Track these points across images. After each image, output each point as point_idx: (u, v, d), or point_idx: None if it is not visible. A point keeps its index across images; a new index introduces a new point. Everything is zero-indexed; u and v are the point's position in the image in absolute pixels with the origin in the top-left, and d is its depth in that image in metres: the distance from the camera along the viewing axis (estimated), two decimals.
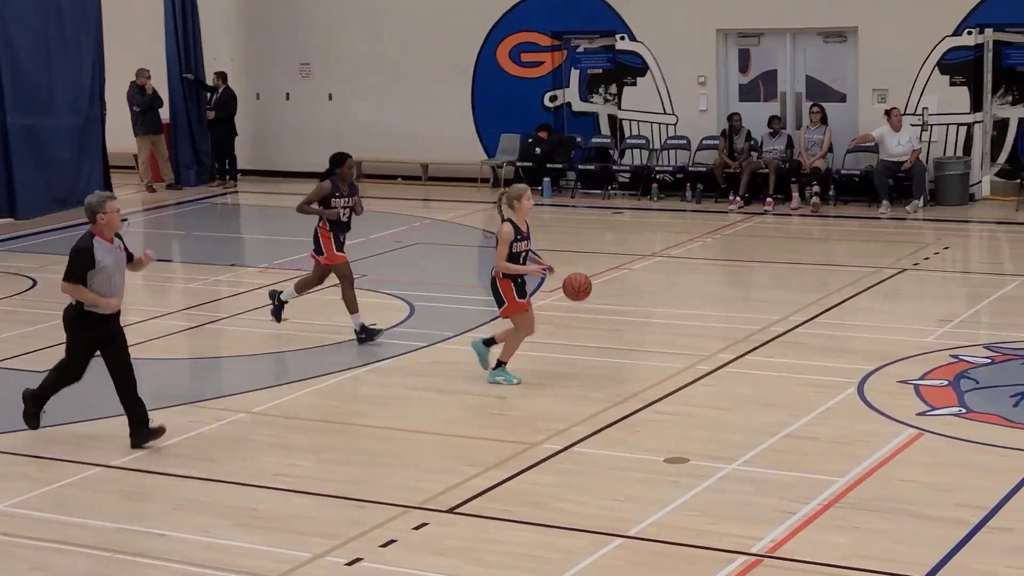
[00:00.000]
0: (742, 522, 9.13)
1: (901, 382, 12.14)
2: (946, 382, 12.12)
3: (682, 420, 11.44)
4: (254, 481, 10.28)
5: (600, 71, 23.74)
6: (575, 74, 23.93)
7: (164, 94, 25.20)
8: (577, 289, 12.56)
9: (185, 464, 10.73)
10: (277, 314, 14.64)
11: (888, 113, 20.84)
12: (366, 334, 14.00)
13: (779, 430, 10.96)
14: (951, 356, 12.89)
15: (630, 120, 23.44)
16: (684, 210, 21.77)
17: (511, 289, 12.32)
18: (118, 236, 10.95)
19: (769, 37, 22.49)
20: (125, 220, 10.97)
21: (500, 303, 12.42)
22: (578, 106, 23.99)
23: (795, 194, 21.39)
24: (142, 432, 10.98)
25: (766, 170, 21.63)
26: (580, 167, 23.48)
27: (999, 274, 17.05)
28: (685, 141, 22.82)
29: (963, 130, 21.18)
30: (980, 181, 21.41)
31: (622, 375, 12.68)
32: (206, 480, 10.40)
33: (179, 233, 22.21)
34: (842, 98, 22.13)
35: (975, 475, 9.89)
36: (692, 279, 17.23)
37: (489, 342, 12.63)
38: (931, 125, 21.18)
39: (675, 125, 22.98)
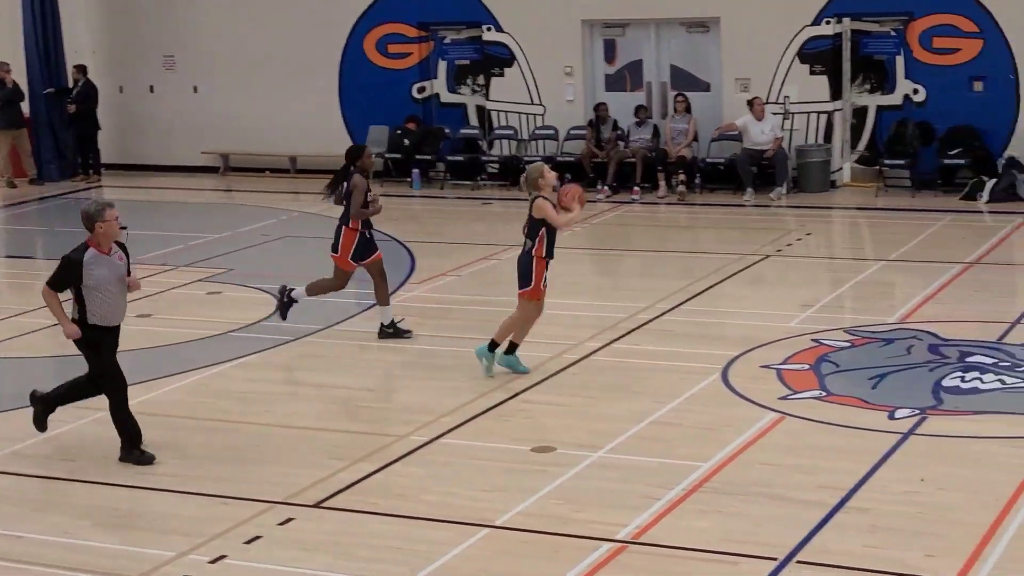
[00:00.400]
0: (607, 509, 9.20)
1: (764, 367, 12.32)
2: (807, 366, 12.32)
3: (549, 409, 11.50)
4: (116, 480, 10.13)
5: (468, 62, 23.74)
6: (443, 65, 23.90)
7: (24, 87, 24.72)
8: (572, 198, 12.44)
9: (45, 464, 10.56)
10: (395, 334, 13.75)
11: (751, 102, 21.13)
12: (285, 306, 13.84)
13: (644, 417, 11.07)
14: (812, 340, 13.10)
15: (498, 111, 23.48)
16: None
17: (543, 273, 12.26)
18: (121, 247, 10.48)
19: (634, 27, 22.66)
20: (125, 228, 10.55)
21: (526, 283, 12.27)
22: (446, 97, 23.96)
23: (662, 183, 21.59)
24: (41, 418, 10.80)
25: (633, 159, 21.80)
26: (449, 158, 23.47)
27: (860, 259, 17.37)
28: (553, 131, 22.93)
29: (823, 118, 21.55)
30: (841, 168, 21.79)
31: None
32: (66, 480, 10.23)
33: (42, 229, 21.80)
34: (706, 87, 22.39)
35: (835, 457, 10.07)
36: (560, 268, 17.10)
37: (493, 346, 12.39)
38: (792, 113, 21.52)
39: (543, 115, 23.08)
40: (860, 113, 21.73)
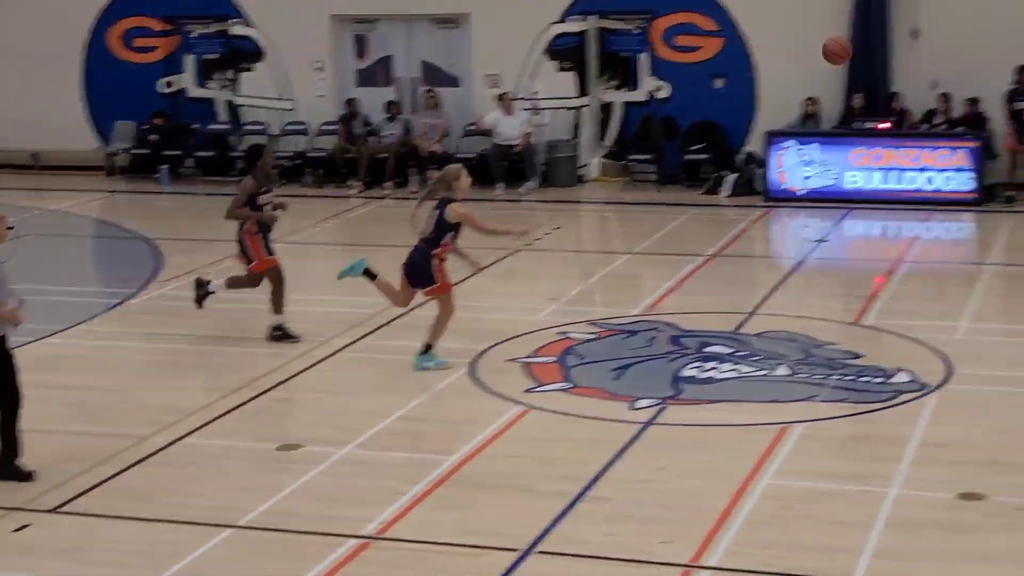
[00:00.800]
0: (353, 505, 9.20)
1: (511, 360, 12.47)
2: (553, 359, 12.52)
3: (297, 406, 11.47)
4: None
5: (216, 56, 23.44)
6: (190, 59, 23.54)
7: None
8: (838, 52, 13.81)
9: None
10: (200, 300, 13.58)
11: (500, 98, 21.37)
12: (281, 333, 13.25)
13: (392, 412, 11.10)
14: (559, 333, 13.32)
15: (248, 106, 23.25)
16: (305, 195, 21.69)
17: (445, 271, 12.16)
18: None
19: (384, 23, 22.71)
20: (12, 228, 9.85)
21: (430, 282, 12.11)
22: (194, 92, 23.63)
23: (414, 178, 21.68)
24: (9, 466, 9.86)
25: (385, 155, 21.83)
26: (198, 154, 23.13)
27: (607, 252, 17.75)
28: (304, 126, 22.82)
29: (572, 114, 21.95)
30: (589, 163, 22.21)
31: (238, 364, 12.59)
32: None
33: None
34: (457, 83, 22.57)
35: (577, 448, 10.26)
36: (313, 265, 17.18)
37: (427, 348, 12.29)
38: (541, 109, 21.85)
39: (293, 111, 22.94)
40: (607, 109, 22.19)
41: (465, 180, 12.13)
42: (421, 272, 12.14)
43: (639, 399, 11.27)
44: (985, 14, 20.06)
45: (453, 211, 11.98)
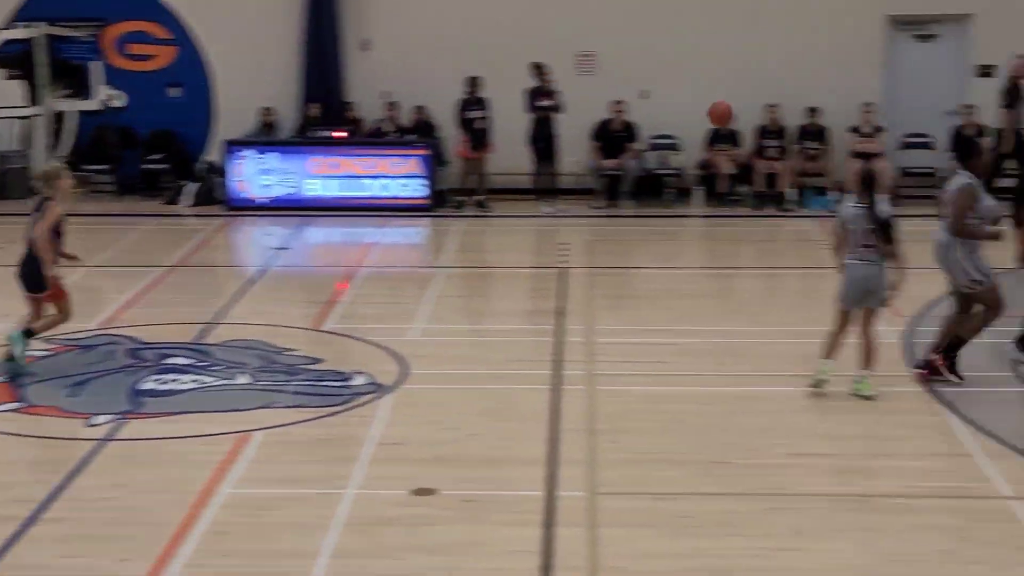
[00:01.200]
0: None
1: None
2: (5, 378, 12.04)
3: None
4: None
5: None
6: None
7: None
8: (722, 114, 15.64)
9: None
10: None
11: None
12: None
13: None
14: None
15: None
16: None
17: (58, 276, 11.65)
18: None
19: None
20: None
21: (42, 288, 11.62)
22: None
23: None
24: None
25: None
26: None
27: (66, 266, 17.16)
28: None
29: (23, 123, 21.21)
30: None
31: None
32: None
33: None
34: None
35: (30, 469, 9.96)
36: None
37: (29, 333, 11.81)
38: None
39: None
40: (60, 118, 21.57)
41: (67, 180, 11.95)
42: (31, 276, 11.87)
43: (96, 415, 11.01)
44: (432, 27, 20.90)
45: (51, 211, 11.71)
